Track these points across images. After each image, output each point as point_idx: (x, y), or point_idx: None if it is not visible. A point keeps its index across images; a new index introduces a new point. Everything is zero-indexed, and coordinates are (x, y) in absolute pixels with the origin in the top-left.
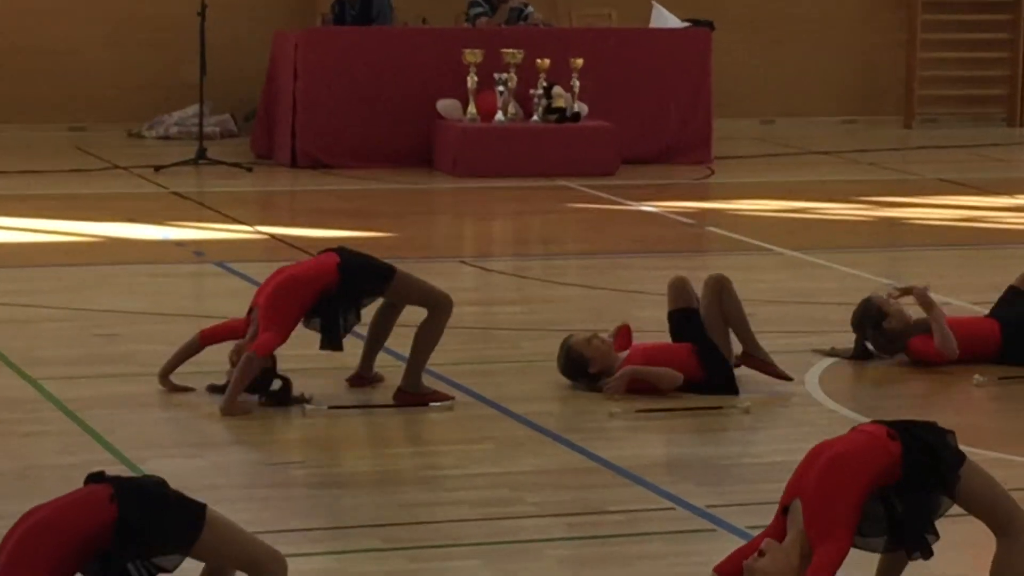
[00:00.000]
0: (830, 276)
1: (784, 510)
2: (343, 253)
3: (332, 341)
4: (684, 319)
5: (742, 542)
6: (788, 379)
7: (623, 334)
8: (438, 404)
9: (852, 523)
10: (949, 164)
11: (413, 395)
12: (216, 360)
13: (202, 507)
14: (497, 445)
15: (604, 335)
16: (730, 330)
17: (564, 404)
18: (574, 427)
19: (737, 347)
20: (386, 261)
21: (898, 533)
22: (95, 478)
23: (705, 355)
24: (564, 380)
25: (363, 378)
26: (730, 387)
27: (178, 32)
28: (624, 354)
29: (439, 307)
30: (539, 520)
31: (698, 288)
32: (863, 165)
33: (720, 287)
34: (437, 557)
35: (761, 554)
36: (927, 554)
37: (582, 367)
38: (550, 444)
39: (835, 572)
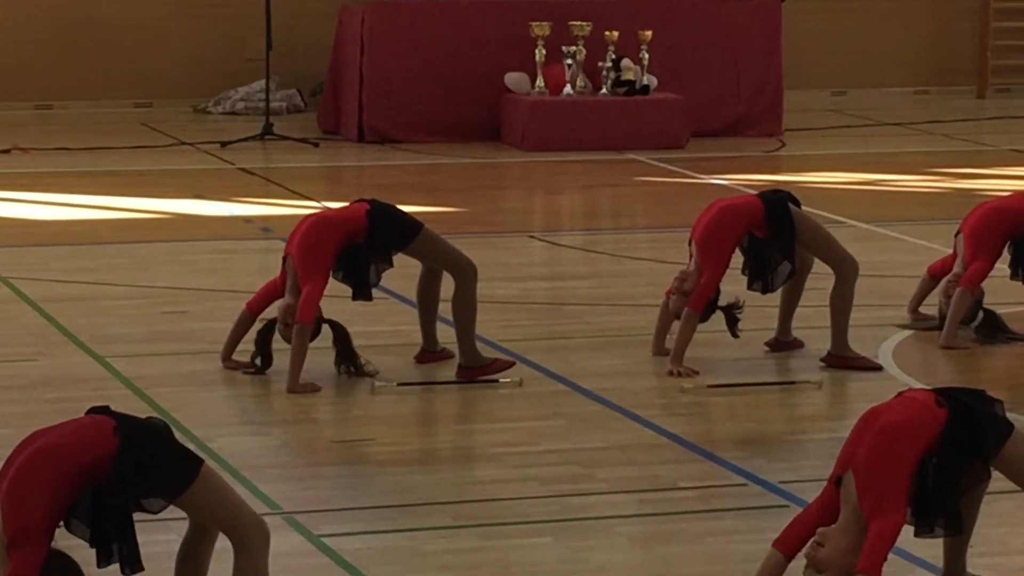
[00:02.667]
0: (903, 249)
1: (837, 481)
2: (373, 202)
3: (363, 290)
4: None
5: None
6: (878, 368)
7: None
8: (504, 376)
9: (906, 495)
10: (1023, 135)
11: (474, 368)
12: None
13: (200, 460)
14: (567, 421)
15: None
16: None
17: (634, 379)
18: (645, 403)
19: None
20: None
21: (925, 505)
22: (98, 411)
23: (773, 211)
24: (634, 354)
25: (431, 353)
26: (788, 248)
27: (244, 7)
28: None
29: (464, 273)
30: (610, 497)
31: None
32: (936, 136)
33: (844, 270)
34: (507, 535)
35: (819, 545)
36: (954, 528)
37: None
38: (620, 420)
39: (891, 547)
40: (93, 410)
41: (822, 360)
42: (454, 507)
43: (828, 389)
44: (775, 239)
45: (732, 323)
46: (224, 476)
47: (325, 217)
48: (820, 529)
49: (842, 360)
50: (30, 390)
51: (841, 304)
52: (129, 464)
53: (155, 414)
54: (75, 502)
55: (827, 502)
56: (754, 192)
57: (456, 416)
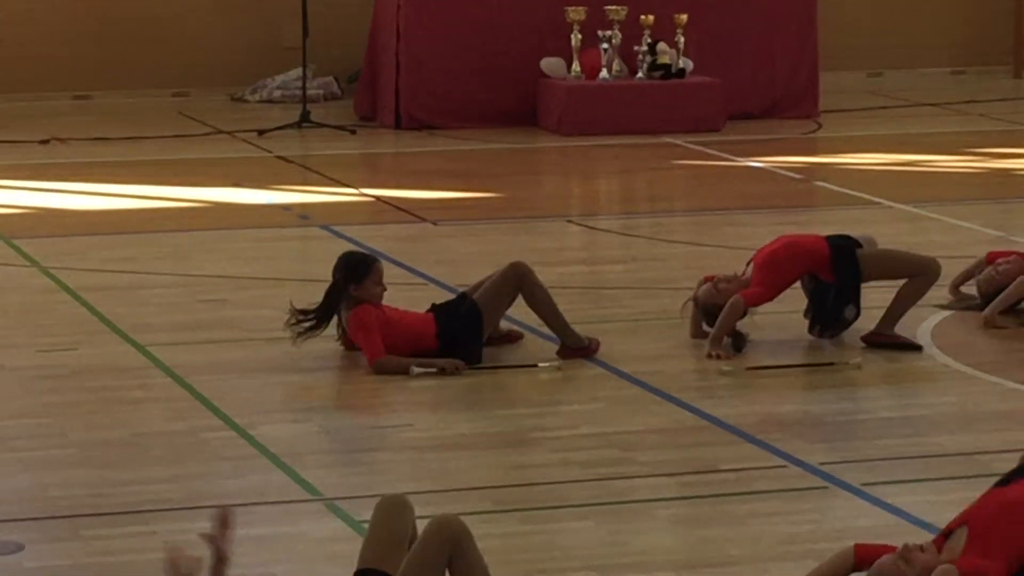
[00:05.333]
0: (941, 229)
1: (947, 535)
2: (837, 240)
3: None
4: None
5: (856, 499)
6: (917, 348)
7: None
8: (544, 362)
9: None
10: None
11: (574, 349)
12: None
13: None
14: (607, 404)
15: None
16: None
17: (673, 362)
18: (684, 385)
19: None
20: None
21: None
22: None
23: (839, 256)
24: (673, 337)
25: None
26: (854, 294)
27: None
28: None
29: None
30: (650, 480)
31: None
32: (973, 116)
33: (924, 271)
34: (549, 519)
35: (921, 550)
36: None
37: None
38: (660, 403)
39: None
40: None
41: (862, 339)
42: (495, 491)
43: (868, 369)
44: (842, 285)
45: (739, 347)
46: (266, 463)
47: (798, 244)
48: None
49: (882, 337)
50: (71, 379)
51: (908, 294)
52: None
53: (195, 401)
54: None
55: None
56: (822, 235)
57: (495, 401)
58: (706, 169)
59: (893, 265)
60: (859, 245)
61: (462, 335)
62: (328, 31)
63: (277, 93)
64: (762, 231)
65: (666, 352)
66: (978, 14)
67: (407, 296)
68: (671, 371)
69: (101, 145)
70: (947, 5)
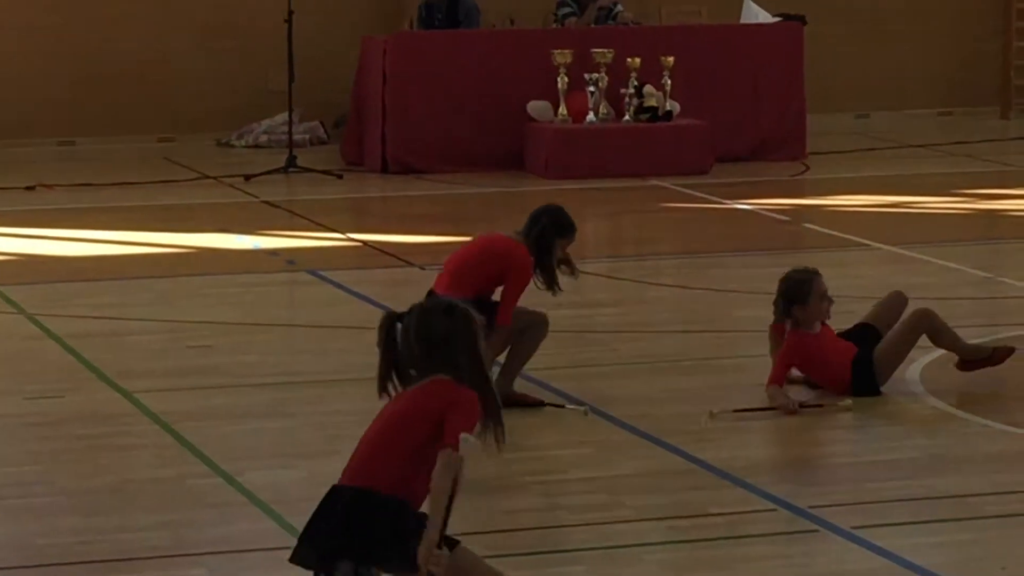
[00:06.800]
0: (929, 271)
1: None
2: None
3: None
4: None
5: (846, 543)
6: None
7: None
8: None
9: None
10: None
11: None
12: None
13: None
14: (595, 449)
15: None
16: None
17: (662, 406)
18: (673, 429)
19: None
20: None
21: None
22: None
23: (860, 366)
24: (662, 381)
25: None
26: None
27: (265, 40)
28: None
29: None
30: (639, 524)
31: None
32: (960, 158)
33: (924, 322)
34: (539, 564)
35: None
36: None
37: None
38: (648, 447)
39: None
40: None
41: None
42: (485, 537)
43: (857, 412)
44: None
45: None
46: (254, 510)
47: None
48: None
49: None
50: (58, 426)
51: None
52: None
53: (182, 448)
54: None
55: None
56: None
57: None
58: (693, 212)
59: (896, 352)
60: (879, 336)
61: None
62: (314, 75)
63: (264, 138)
64: (750, 273)
65: (654, 395)
66: (964, 56)
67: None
68: (659, 414)
69: (87, 191)
70: (933, 47)
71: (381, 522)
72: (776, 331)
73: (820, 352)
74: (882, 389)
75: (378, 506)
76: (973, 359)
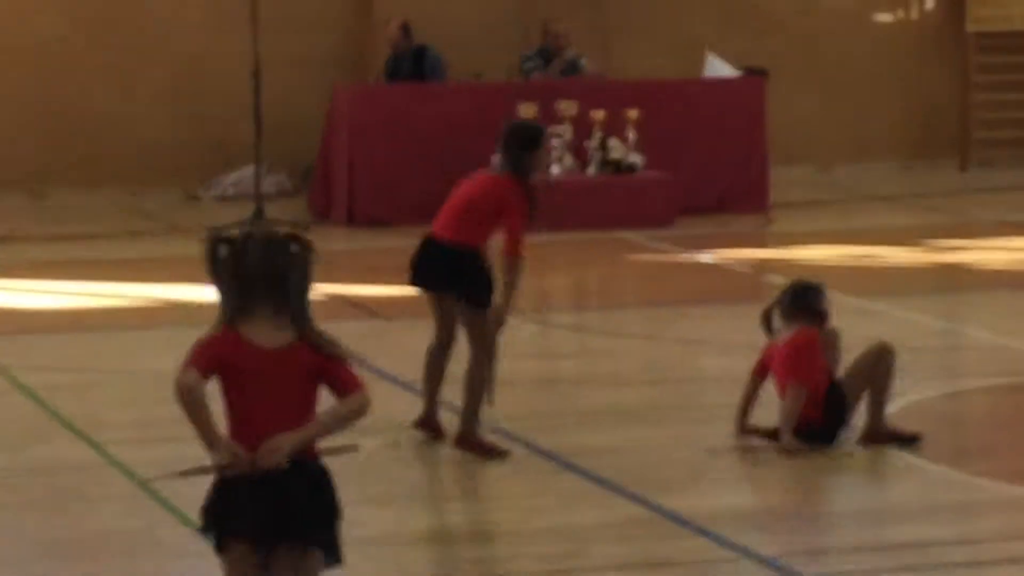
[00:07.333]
0: (890, 321)
1: None
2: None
3: None
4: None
5: None
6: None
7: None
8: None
9: None
10: (1007, 207)
11: (472, 441)
12: None
13: None
14: (558, 498)
15: None
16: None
17: (626, 456)
18: (636, 479)
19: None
20: None
21: None
22: None
23: (832, 398)
24: (626, 432)
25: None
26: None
27: (233, 93)
28: None
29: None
30: (603, 574)
31: None
32: (920, 209)
33: (883, 357)
34: None
35: None
36: None
37: None
38: (612, 496)
39: None
40: None
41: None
42: None
43: (820, 461)
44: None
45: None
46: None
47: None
48: None
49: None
50: (26, 477)
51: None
52: None
53: (151, 499)
54: None
55: None
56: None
57: (447, 495)
58: (657, 264)
59: (858, 382)
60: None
61: None
62: (281, 128)
63: (231, 190)
64: (714, 324)
65: (618, 446)
66: (924, 109)
67: None
68: (622, 464)
69: (55, 243)
70: (894, 100)
71: None
72: (766, 352)
73: (820, 354)
74: (846, 435)
75: None
76: (879, 433)
